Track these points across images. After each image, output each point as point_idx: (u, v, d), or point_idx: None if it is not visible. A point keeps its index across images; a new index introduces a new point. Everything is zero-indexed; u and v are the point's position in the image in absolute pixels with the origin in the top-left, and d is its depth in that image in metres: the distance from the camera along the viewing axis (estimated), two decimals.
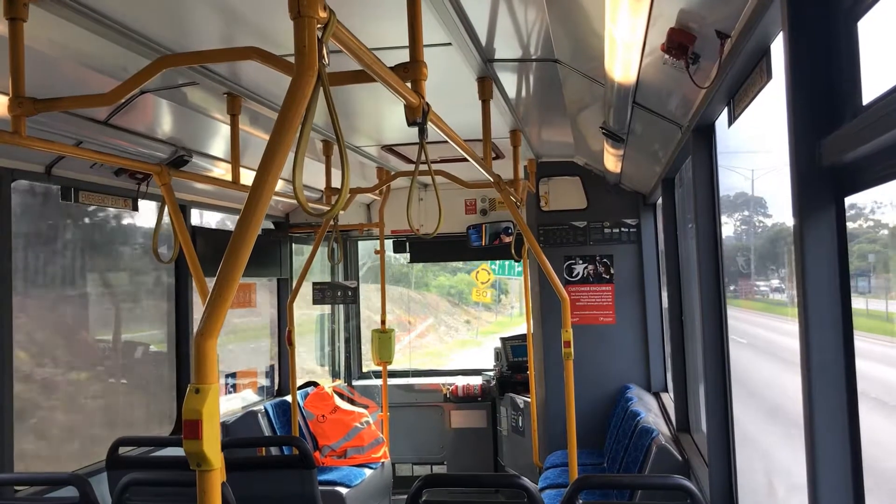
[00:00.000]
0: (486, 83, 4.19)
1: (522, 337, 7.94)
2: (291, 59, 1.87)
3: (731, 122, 3.13)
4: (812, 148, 1.94)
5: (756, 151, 3.81)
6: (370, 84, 2.49)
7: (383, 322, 7.30)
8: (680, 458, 4.55)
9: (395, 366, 8.04)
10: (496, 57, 3.95)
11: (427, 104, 2.75)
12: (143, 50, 3.36)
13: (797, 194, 1.99)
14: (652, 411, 5.79)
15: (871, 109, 1.68)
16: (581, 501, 3.23)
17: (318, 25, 1.85)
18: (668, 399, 6.48)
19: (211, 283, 1.71)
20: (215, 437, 1.62)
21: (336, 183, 5.86)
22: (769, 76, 2.48)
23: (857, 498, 2.00)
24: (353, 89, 4.32)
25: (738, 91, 2.90)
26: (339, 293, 7.91)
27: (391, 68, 2.51)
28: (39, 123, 3.82)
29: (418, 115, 2.71)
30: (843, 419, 2.00)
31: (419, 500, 3.29)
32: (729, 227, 4.13)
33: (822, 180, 1.95)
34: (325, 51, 1.85)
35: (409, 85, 2.68)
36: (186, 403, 1.60)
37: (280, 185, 6.25)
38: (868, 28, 1.86)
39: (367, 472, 6.77)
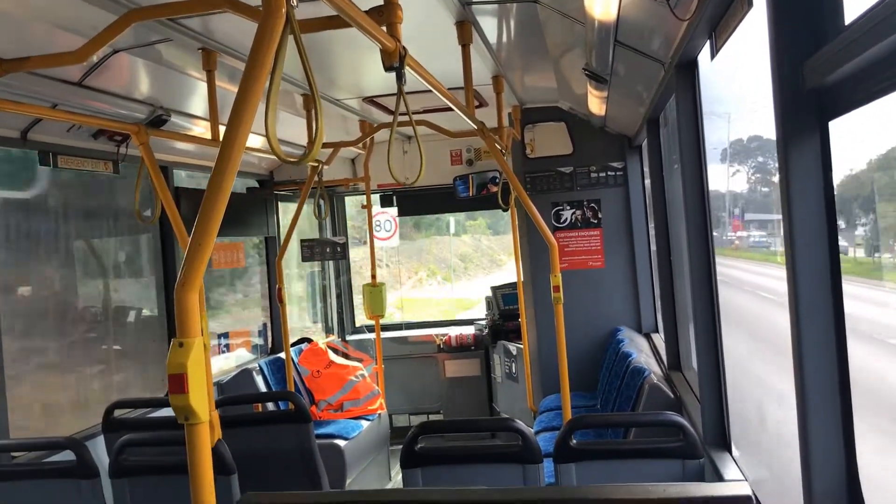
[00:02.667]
0: (465, 27, 4.11)
1: (513, 285, 7.96)
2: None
3: (713, 55, 3.08)
4: (795, 71, 1.91)
5: None
6: (347, 34, 2.44)
7: (373, 276, 7.29)
8: (672, 395, 4.60)
9: (387, 319, 8.05)
10: None
11: (404, 48, 2.70)
12: (112, 6, 3.27)
13: (780, 120, 1.96)
14: (643, 352, 5.83)
15: (852, 27, 1.64)
16: (575, 441, 3.26)
17: None
18: (659, 339, 6.52)
19: None
20: (202, 390, 1.61)
21: None
22: (750, 4, 2.44)
23: (846, 417, 2.02)
24: (330, 40, 4.23)
25: (719, 22, 2.85)
26: (327, 249, 7.87)
27: (365, 12, 2.46)
28: (11, 87, 3.74)
29: (395, 60, 2.66)
30: (830, 347, 2.01)
31: (415, 448, 3.31)
32: None
33: (805, 104, 1.92)
34: None
35: (384, 29, 2.63)
36: (170, 358, 1.59)
37: (262, 142, 6.21)
38: None
39: (365, 423, 6.82)
